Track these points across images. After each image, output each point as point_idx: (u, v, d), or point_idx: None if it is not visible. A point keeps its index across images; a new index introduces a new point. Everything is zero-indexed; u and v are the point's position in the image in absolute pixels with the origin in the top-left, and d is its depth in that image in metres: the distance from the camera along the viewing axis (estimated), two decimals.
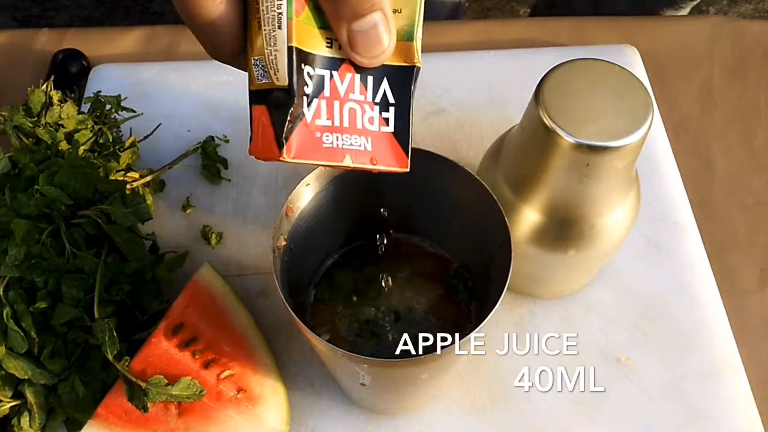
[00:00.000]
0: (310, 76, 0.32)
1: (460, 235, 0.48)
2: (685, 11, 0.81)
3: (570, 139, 0.40)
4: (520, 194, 0.47)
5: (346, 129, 0.33)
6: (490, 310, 0.38)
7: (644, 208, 0.50)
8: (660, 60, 0.70)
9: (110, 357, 0.45)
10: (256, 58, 0.32)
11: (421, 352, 0.47)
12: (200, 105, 0.66)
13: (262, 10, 0.31)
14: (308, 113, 0.32)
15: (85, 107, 0.60)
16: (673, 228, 0.59)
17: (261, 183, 0.61)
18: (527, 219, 0.47)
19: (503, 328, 0.54)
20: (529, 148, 0.45)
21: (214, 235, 0.58)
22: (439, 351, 0.38)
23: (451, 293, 0.49)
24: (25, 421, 0.47)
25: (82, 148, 0.54)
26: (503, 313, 0.54)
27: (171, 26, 0.74)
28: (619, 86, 0.42)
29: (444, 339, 0.47)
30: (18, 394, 0.47)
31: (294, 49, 0.31)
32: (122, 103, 0.60)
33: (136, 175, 0.57)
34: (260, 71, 0.32)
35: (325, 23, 0.32)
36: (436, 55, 0.69)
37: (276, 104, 0.32)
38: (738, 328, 0.55)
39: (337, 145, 0.33)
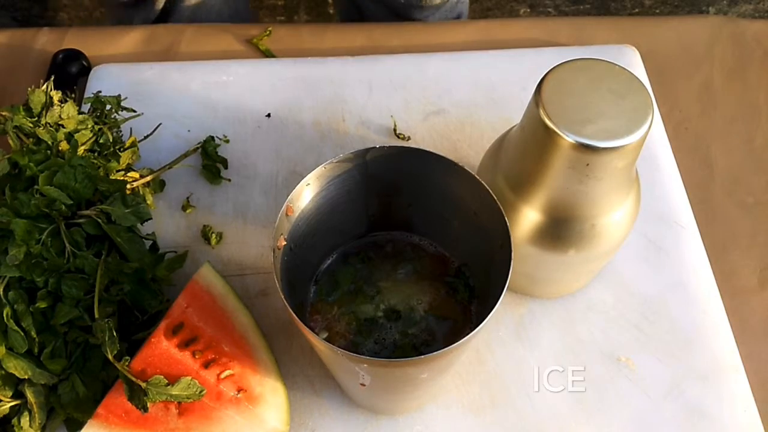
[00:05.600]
0: None
1: (460, 235, 0.48)
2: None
3: (570, 139, 0.40)
4: (520, 194, 0.47)
5: None
6: (490, 310, 0.38)
7: (644, 208, 0.50)
8: (660, 60, 0.70)
9: (110, 357, 0.45)
10: None
11: (420, 352, 0.47)
12: (200, 105, 0.66)
13: None
14: None
15: (85, 107, 0.60)
16: (673, 228, 0.59)
17: (261, 183, 0.61)
18: (527, 219, 0.47)
19: (503, 328, 0.54)
20: (529, 148, 0.45)
21: (214, 235, 0.58)
22: (438, 351, 0.38)
23: (452, 293, 0.49)
24: (25, 420, 0.47)
25: (82, 148, 0.54)
26: (503, 313, 0.54)
27: (171, 26, 0.74)
28: (619, 86, 0.42)
29: (444, 339, 0.48)
30: (18, 394, 0.47)
31: None
32: (122, 103, 0.60)
33: (136, 175, 0.57)
34: None
35: None
36: (436, 55, 0.69)
37: None
38: (738, 328, 0.55)
39: None
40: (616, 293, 0.56)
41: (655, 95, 0.65)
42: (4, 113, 0.54)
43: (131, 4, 0.85)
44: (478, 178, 0.43)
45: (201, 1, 0.85)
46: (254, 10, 1.39)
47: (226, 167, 0.62)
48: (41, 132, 0.53)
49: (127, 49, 0.71)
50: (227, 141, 0.63)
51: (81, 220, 0.49)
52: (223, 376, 0.47)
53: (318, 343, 0.39)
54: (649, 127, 0.41)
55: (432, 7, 0.85)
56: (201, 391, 0.45)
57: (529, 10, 1.39)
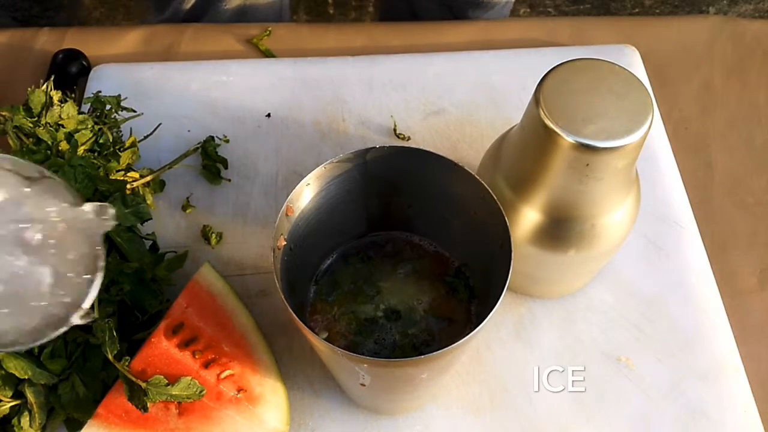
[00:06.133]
0: None
1: (460, 235, 0.48)
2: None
3: (570, 139, 0.40)
4: (520, 194, 0.47)
5: None
6: (490, 310, 0.38)
7: (644, 208, 0.50)
8: (660, 60, 0.70)
9: (110, 357, 0.45)
10: None
11: (420, 352, 0.47)
12: (200, 105, 0.66)
13: None
14: None
15: (85, 107, 0.60)
16: (673, 228, 0.59)
17: (261, 183, 0.61)
18: (527, 219, 0.47)
19: (503, 328, 0.54)
20: (529, 148, 0.45)
21: (214, 235, 0.58)
22: (438, 351, 0.38)
23: (452, 293, 0.49)
24: (25, 420, 0.47)
25: (82, 148, 0.54)
26: (503, 313, 0.54)
27: (171, 26, 0.74)
28: (619, 86, 0.42)
29: (444, 339, 0.48)
30: (18, 394, 0.47)
31: None
32: (122, 103, 0.60)
33: (136, 175, 0.57)
34: None
35: None
36: (436, 55, 0.69)
37: None
38: (738, 328, 0.55)
39: None
40: (616, 293, 0.56)
41: (655, 95, 0.65)
42: (4, 113, 0.54)
43: None
44: (478, 178, 0.43)
45: (246, 3, 0.83)
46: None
47: (226, 167, 0.62)
48: (41, 132, 0.53)
49: (127, 49, 0.71)
50: (227, 141, 0.63)
51: None
52: (223, 376, 0.47)
53: (318, 343, 0.39)
54: (649, 127, 0.41)
55: (489, 6, 0.85)
56: (201, 391, 0.45)
57: (529, 10, 1.38)
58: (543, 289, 0.55)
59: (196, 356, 0.47)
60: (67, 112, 0.55)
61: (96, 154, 0.56)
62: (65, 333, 0.47)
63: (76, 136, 0.54)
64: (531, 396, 0.51)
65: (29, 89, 0.55)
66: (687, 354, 0.53)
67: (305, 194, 0.44)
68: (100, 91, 0.61)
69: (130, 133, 0.60)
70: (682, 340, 0.54)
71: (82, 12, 1.40)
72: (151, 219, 0.52)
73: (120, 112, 0.60)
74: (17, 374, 0.46)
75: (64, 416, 0.48)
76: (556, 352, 0.53)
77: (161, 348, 0.47)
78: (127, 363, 0.45)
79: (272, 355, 0.51)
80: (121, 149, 0.58)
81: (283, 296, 0.40)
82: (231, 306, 0.52)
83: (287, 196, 0.43)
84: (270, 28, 0.72)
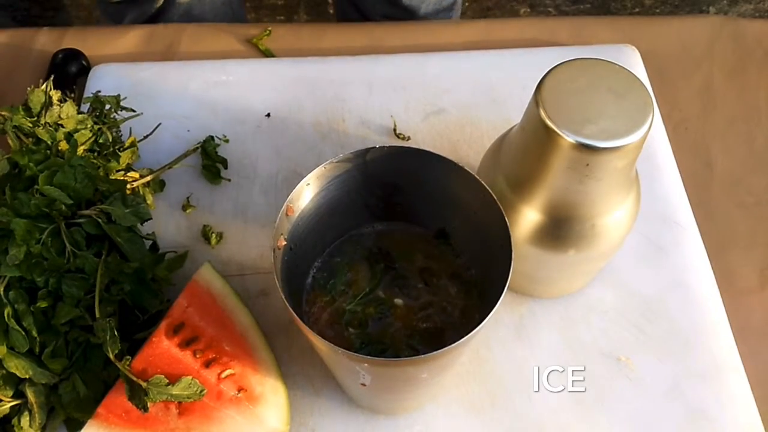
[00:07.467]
0: None
1: (460, 235, 0.48)
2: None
3: (570, 139, 0.40)
4: (520, 194, 0.47)
5: None
6: (490, 310, 0.38)
7: (644, 208, 0.50)
8: (660, 60, 0.70)
9: (111, 356, 0.45)
10: None
11: (420, 351, 0.47)
12: (200, 105, 0.66)
13: None
14: None
15: (85, 107, 0.60)
16: (673, 228, 0.59)
17: (261, 183, 0.61)
18: (527, 219, 0.47)
19: (503, 328, 0.54)
20: (529, 148, 0.45)
21: (214, 235, 0.58)
22: (438, 351, 0.38)
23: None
24: (25, 420, 0.47)
25: (81, 148, 0.54)
26: (503, 313, 0.54)
27: (171, 26, 0.74)
28: (619, 86, 0.42)
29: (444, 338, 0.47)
30: (19, 394, 0.47)
31: None
32: (122, 103, 0.60)
33: (136, 175, 0.58)
34: None
35: None
36: (436, 55, 0.69)
37: None
38: (738, 328, 0.55)
39: None
40: (616, 293, 0.56)
41: (655, 95, 0.65)
42: (3, 113, 0.54)
43: (125, 0, 0.84)
44: (478, 178, 0.43)
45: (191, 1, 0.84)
46: (249, 10, 1.39)
47: (226, 167, 0.62)
48: (41, 132, 0.53)
49: (127, 49, 0.71)
50: (227, 141, 0.63)
51: (81, 220, 0.49)
52: (223, 375, 0.47)
53: (318, 342, 0.39)
54: (649, 127, 0.41)
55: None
56: (201, 391, 0.45)
57: (529, 10, 1.39)
58: (543, 289, 0.55)
59: (197, 356, 0.47)
60: (66, 112, 0.55)
61: (96, 154, 0.56)
62: (66, 332, 0.48)
63: (76, 135, 0.55)
64: (531, 396, 0.51)
65: (29, 89, 0.55)
66: (687, 354, 0.53)
67: (305, 194, 0.44)
68: (99, 91, 0.61)
69: (130, 133, 0.60)
70: (682, 340, 0.54)
71: (81, 12, 1.40)
72: (151, 219, 0.52)
73: (119, 112, 0.60)
74: (18, 374, 0.46)
75: (64, 416, 0.48)
76: (556, 352, 0.53)
77: (162, 347, 0.47)
78: (127, 362, 0.45)
79: (272, 355, 0.51)
80: (121, 149, 0.58)
81: (283, 296, 0.40)
82: (231, 306, 0.52)
83: (287, 196, 0.43)
84: (270, 28, 0.72)
